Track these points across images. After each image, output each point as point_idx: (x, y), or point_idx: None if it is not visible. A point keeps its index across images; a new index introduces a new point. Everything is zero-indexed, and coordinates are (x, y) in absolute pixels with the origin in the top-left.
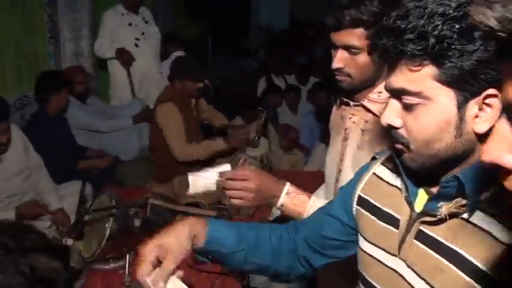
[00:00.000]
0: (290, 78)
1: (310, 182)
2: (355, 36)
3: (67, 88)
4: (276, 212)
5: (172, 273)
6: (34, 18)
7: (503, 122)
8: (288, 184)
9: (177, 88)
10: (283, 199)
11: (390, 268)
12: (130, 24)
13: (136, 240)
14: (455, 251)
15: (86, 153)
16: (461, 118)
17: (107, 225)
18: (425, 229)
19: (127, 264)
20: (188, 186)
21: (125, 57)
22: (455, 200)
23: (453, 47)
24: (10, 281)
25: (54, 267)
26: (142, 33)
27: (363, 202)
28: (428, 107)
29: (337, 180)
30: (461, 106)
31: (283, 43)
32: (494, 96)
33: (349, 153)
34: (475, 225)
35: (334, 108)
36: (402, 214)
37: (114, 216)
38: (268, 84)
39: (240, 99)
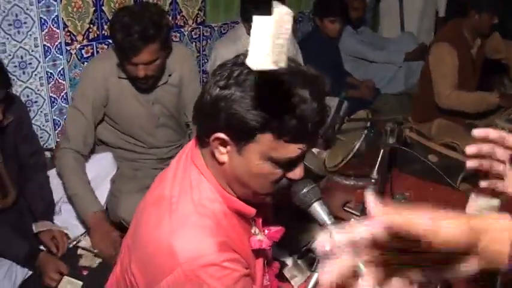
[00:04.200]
0: None
1: None
2: None
3: (342, 16)
4: None
5: None
6: None
7: None
8: None
9: (463, 24)
10: None
11: None
12: None
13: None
14: None
15: (348, 79)
16: None
17: (356, 141)
18: None
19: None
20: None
21: None
22: None
23: None
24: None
25: (299, 94)
26: None
27: None
28: None
29: None
30: None
31: None
32: None
33: None
34: None
35: None
36: None
37: (368, 130)
38: None
39: None
